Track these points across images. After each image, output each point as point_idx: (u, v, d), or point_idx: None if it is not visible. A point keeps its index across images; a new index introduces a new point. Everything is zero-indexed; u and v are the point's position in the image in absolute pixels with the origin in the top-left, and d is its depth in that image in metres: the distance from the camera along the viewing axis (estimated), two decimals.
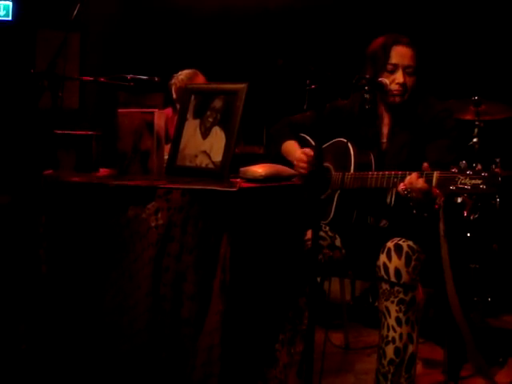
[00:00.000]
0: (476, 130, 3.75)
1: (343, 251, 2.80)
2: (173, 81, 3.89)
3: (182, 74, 3.89)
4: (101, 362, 2.16)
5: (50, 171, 2.47)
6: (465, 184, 2.20)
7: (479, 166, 2.19)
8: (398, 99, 2.66)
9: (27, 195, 2.29)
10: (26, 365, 2.25)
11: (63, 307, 2.23)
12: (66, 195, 2.26)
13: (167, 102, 3.77)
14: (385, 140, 2.75)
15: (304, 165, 2.71)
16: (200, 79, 3.89)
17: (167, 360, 2.06)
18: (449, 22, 4.63)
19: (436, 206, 2.43)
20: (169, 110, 3.82)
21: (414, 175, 2.37)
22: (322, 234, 2.76)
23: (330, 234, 2.80)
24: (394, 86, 2.63)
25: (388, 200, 2.66)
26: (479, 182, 2.18)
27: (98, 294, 2.16)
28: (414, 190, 2.37)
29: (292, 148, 2.86)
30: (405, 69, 2.64)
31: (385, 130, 2.76)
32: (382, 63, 2.64)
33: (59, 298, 2.24)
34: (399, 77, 2.63)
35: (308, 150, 2.74)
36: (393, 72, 2.64)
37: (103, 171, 2.52)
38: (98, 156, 2.50)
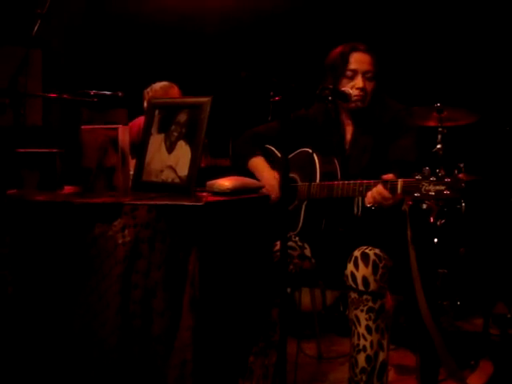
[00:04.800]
0: (439, 137, 3.80)
1: (313, 261, 2.80)
2: (148, 89, 3.90)
3: (157, 85, 3.91)
4: (72, 381, 2.12)
5: (14, 190, 2.44)
6: (429, 190, 2.23)
7: (442, 172, 2.22)
8: (359, 104, 2.68)
9: None
10: None
11: (31, 328, 2.19)
12: (30, 214, 2.23)
13: (132, 116, 3.76)
14: (348, 147, 2.77)
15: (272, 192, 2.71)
16: (174, 92, 3.90)
17: (139, 378, 2.04)
18: (410, 30, 4.70)
19: (403, 208, 2.45)
20: (141, 119, 3.80)
21: (378, 188, 2.39)
22: (291, 244, 2.77)
23: (299, 243, 2.80)
24: (354, 92, 2.65)
25: (355, 210, 2.68)
26: (443, 187, 2.21)
27: (66, 314, 2.13)
28: (379, 201, 2.40)
29: (261, 167, 2.85)
30: (364, 74, 2.67)
31: (348, 136, 2.79)
32: (341, 70, 2.66)
33: (26, 320, 2.20)
34: (359, 82, 2.66)
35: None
36: (352, 78, 2.67)
37: (68, 189, 2.49)
38: (62, 174, 2.47)
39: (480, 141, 4.39)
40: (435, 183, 2.22)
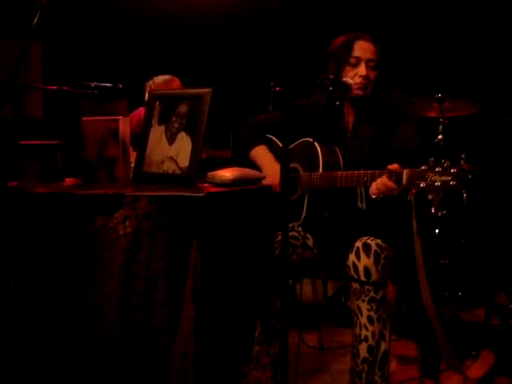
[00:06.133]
0: (441, 127, 3.79)
1: (315, 251, 2.80)
2: (150, 82, 3.90)
3: (159, 79, 3.90)
4: (74, 373, 2.13)
5: (15, 182, 2.43)
6: (435, 181, 2.22)
7: (448, 163, 2.22)
8: (360, 92, 2.67)
9: None
10: None
11: (33, 320, 2.20)
12: (32, 206, 2.23)
13: (132, 107, 3.75)
14: (349, 135, 2.77)
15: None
16: (176, 85, 3.89)
17: (141, 369, 2.04)
18: (412, 20, 4.69)
19: (408, 199, 2.44)
20: (142, 110, 3.79)
21: (383, 180, 2.37)
22: (294, 234, 2.77)
23: (302, 233, 2.80)
24: (356, 79, 2.65)
25: (359, 204, 2.67)
26: (449, 178, 2.20)
27: (68, 305, 2.13)
28: (384, 192, 2.39)
29: (262, 157, 2.83)
30: (367, 62, 2.66)
31: (349, 125, 2.78)
32: (344, 57, 2.66)
33: (29, 311, 2.20)
34: (362, 70, 2.65)
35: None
36: (355, 65, 2.67)
37: (69, 181, 2.49)
38: (63, 165, 2.47)
39: (481, 131, 4.38)
40: (441, 173, 2.21)
